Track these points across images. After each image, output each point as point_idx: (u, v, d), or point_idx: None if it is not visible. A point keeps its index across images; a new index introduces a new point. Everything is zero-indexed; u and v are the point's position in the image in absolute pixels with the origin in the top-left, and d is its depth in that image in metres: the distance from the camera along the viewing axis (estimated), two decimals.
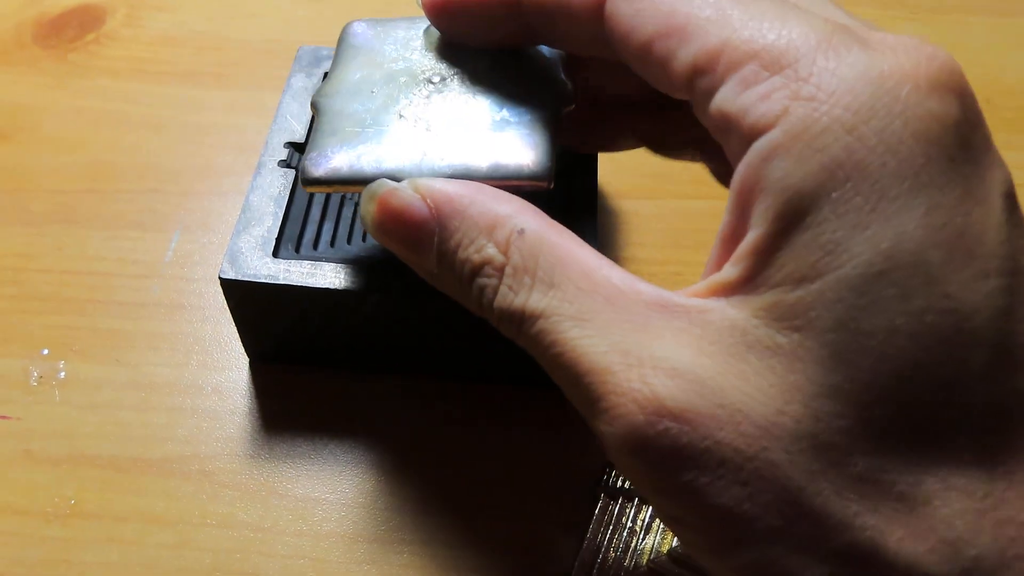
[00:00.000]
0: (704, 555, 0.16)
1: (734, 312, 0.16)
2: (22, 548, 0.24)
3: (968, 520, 0.14)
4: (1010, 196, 0.15)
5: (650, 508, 0.24)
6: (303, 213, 0.26)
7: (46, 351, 0.28)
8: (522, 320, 0.17)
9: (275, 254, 0.25)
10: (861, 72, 0.15)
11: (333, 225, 0.27)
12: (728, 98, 0.16)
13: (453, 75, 0.22)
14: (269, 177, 0.26)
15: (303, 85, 0.29)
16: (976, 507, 0.14)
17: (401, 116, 0.22)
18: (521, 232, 0.18)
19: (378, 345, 0.27)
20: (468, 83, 0.22)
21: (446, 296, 0.24)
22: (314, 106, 0.23)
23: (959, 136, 0.15)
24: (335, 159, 0.21)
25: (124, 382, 0.27)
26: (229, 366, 0.28)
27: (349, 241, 0.27)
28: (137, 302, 0.29)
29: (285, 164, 0.27)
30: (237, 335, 0.27)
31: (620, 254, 0.31)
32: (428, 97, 0.22)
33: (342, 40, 0.25)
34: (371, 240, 0.28)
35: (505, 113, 0.22)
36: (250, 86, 0.36)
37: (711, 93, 0.16)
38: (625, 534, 0.24)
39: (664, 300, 0.16)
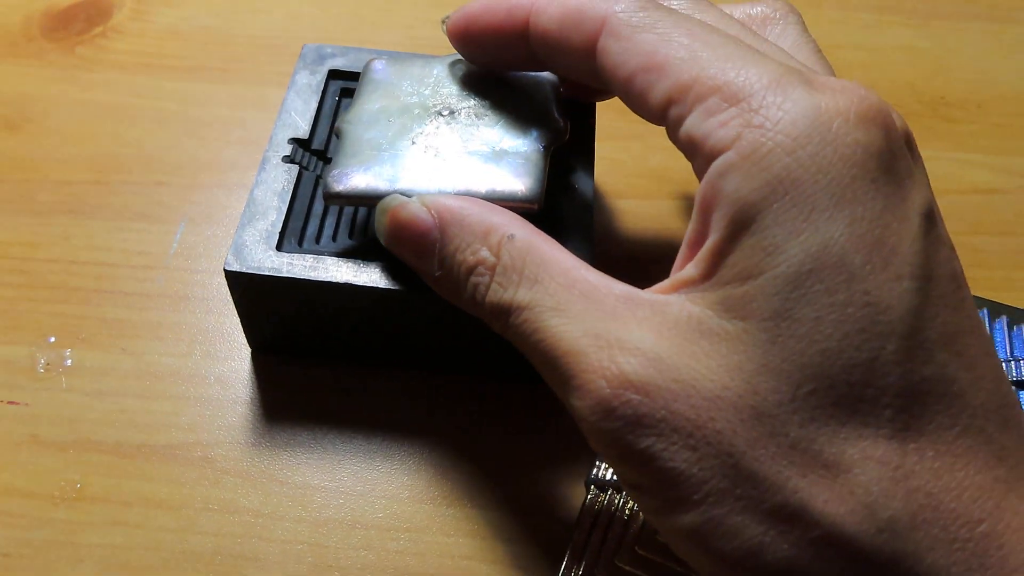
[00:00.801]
0: (660, 518, 0.18)
1: (691, 305, 0.18)
2: (29, 530, 0.25)
3: (884, 487, 0.16)
4: (929, 216, 0.18)
5: None
6: (306, 208, 0.27)
7: (53, 339, 0.28)
8: (509, 312, 0.20)
9: (279, 248, 0.25)
10: (802, 107, 0.17)
11: (335, 220, 0.28)
12: (694, 124, 0.19)
13: (461, 109, 0.25)
14: (273, 172, 0.27)
15: (307, 82, 0.30)
16: (891, 476, 0.16)
17: (413, 143, 0.25)
18: (511, 237, 0.21)
19: (378, 339, 0.27)
20: (473, 117, 0.25)
21: None
22: (337, 131, 0.26)
23: (881, 162, 0.17)
24: (354, 177, 0.24)
25: (129, 370, 0.28)
26: (232, 356, 0.28)
27: (351, 236, 0.28)
28: (142, 292, 0.30)
29: (289, 160, 0.28)
30: (240, 326, 0.28)
31: (618, 252, 0.32)
32: (438, 128, 0.25)
33: (364, 75, 0.28)
34: (372, 235, 0.29)
35: (504, 144, 0.25)
36: (255, 81, 0.37)
37: (681, 120, 0.19)
38: (613, 523, 0.24)
39: (632, 294, 0.19)
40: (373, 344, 0.28)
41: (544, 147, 0.25)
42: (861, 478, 0.16)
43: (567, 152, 0.28)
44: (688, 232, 0.19)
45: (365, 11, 0.40)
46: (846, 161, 0.17)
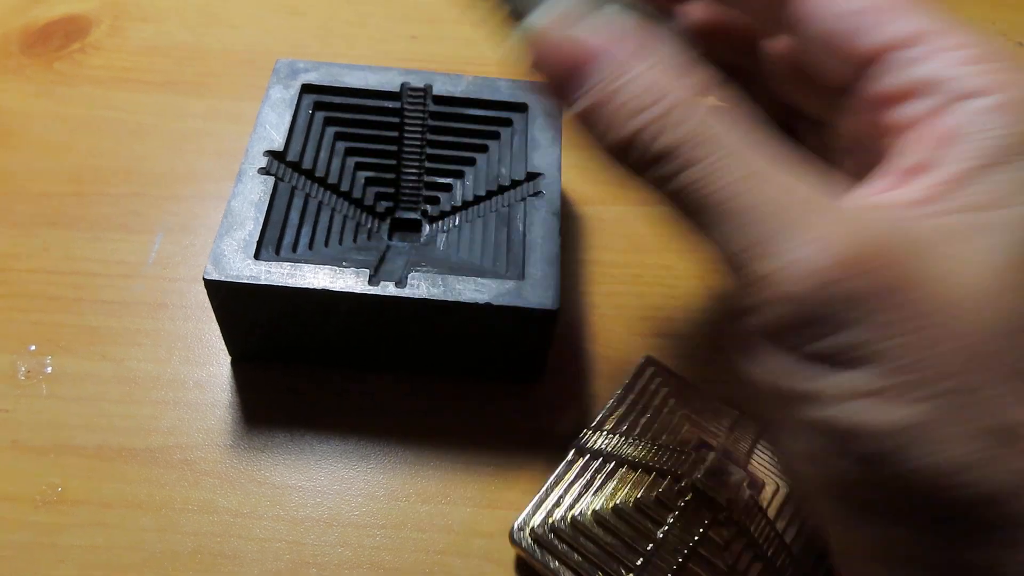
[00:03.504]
0: (848, 403, 0.16)
1: (941, 213, 0.16)
2: (10, 532, 0.25)
3: None
4: None
5: (611, 465, 0.26)
6: (283, 218, 0.28)
7: (33, 347, 0.29)
8: (687, 161, 0.17)
9: (256, 256, 0.26)
10: None
11: (311, 229, 0.29)
12: (938, 68, 0.17)
13: None
14: (250, 184, 0.28)
15: (281, 96, 0.31)
16: None
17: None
18: (704, 98, 0.18)
19: (355, 343, 0.28)
20: None
21: (414, 296, 0.26)
22: None
23: None
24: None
25: (109, 376, 0.28)
26: (210, 362, 0.29)
27: (326, 244, 0.29)
28: (121, 301, 0.30)
29: (265, 172, 0.28)
30: (218, 332, 0.29)
31: (583, 257, 0.33)
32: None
33: None
34: (347, 243, 0.30)
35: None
36: (230, 95, 0.38)
37: (909, 64, 0.18)
38: (580, 487, 0.25)
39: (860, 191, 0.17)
40: (350, 348, 0.29)
41: None
42: None
43: (534, 158, 0.29)
44: (895, 160, 0.17)
45: (337, 26, 0.41)
46: None
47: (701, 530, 0.24)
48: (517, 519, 0.25)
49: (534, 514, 0.25)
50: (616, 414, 0.27)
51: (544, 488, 0.25)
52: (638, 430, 0.27)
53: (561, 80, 0.19)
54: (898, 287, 0.15)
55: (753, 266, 0.16)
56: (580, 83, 0.18)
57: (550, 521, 0.25)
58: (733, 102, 0.19)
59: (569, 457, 0.26)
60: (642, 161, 0.18)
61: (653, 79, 0.18)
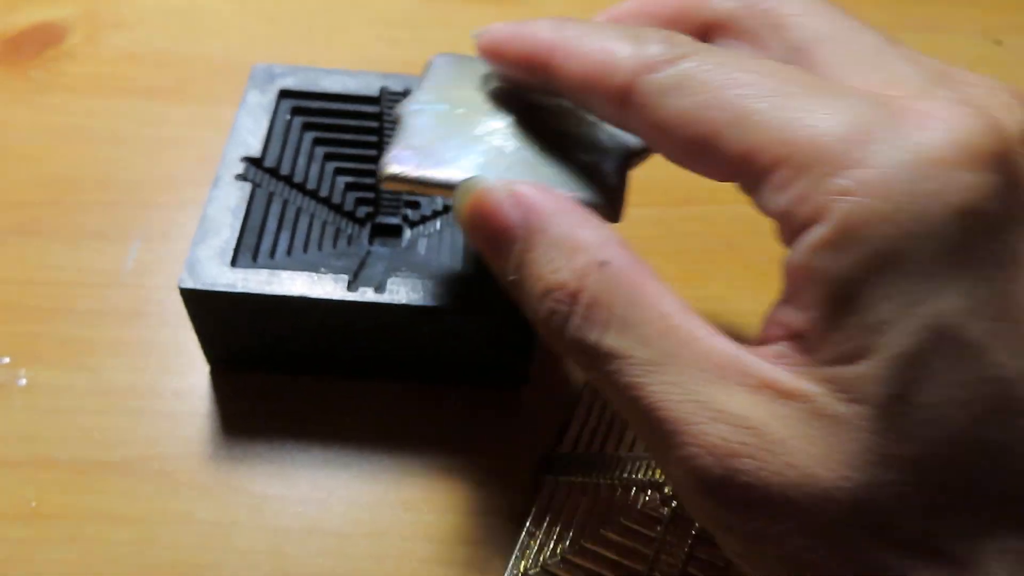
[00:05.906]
0: None
1: (804, 382, 0.16)
2: None
3: None
4: None
5: (587, 484, 0.25)
6: (260, 224, 0.28)
7: (7, 359, 0.29)
8: (595, 356, 0.17)
9: (233, 263, 0.26)
10: (895, 159, 0.15)
11: (289, 235, 0.28)
12: (769, 200, 0.16)
13: (536, 110, 0.23)
14: (226, 190, 0.28)
15: (257, 101, 0.30)
16: None
17: (483, 137, 0.22)
18: (603, 264, 0.17)
19: (334, 350, 0.28)
20: (548, 121, 0.23)
21: (394, 302, 0.25)
22: (398, 118, 0.23)
23: (999, 203, 0.15)
24: (416, 160, 0.21)
25: (85, 387, 0.28)
26: (188, 371, 0.29)
27: (305, 251, 0.29)
28: (98, 310, 0.30)
29: (242, 177, 0.28)
30: (196, 341, 0.28)
31: None
32: (508, 126, 0.22)
33: (428, 67, 0.25)
34: (327, 249, 0.29)
35: (582, 150, 0.22)
36: (208, 101, 0.37)
37: (751, 194, 0.17)
38: (562, 519, 0.25)
39: (738, 357, 0.16)
40: (330, 355, 0.28)
41: (623, 157, 0.22)
42: (1000, 574, 0.15)
43: None
44: (776, 308, 0.17)
45: (317, 31, 0.41)
46: (956, 214, 0.14)
47: (693, 532, 0.24)
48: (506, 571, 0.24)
49: (520, 563, 0.25)
50: (586, 428, 0.27)
51: (525, 530, 0.25)
52: (609, 442, 0.26)
53: (488, 251, 0.20)
54: (760, 500, 0.16)
55: (661, 462, 0.17)
56: (502, 256, 0.19)
57: (540, 561, 0.24)
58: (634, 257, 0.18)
59: (542, 483, 0.26)
60: (560, 347, 0.18)
61: (556, 253, 0.18)
